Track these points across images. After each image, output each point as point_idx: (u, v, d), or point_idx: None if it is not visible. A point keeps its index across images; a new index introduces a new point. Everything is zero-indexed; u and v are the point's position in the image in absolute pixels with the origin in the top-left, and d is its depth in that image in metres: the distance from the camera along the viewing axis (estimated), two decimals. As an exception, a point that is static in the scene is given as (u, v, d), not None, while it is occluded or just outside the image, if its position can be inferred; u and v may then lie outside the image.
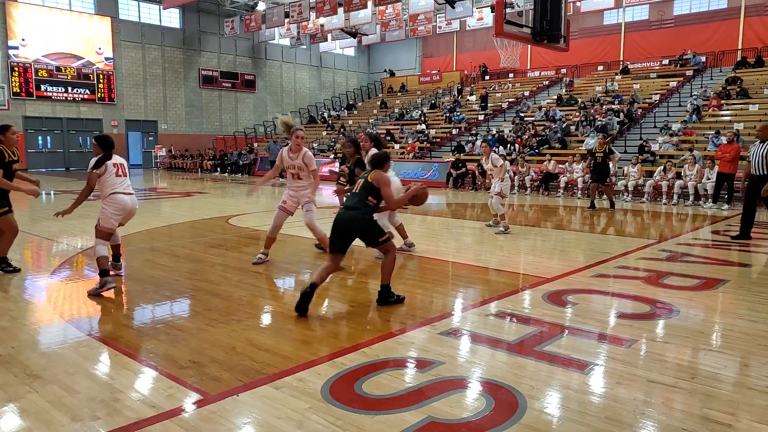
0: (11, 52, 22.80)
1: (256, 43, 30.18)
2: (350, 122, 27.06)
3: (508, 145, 17.21)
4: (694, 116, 16.25)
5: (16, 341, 3.49)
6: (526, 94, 23.83)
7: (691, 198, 11.88)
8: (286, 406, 2.63)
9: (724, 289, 4.86)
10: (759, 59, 19.91)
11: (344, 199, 4.66)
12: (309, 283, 4.08)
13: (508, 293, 4.69)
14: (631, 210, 11.23)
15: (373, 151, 5.92)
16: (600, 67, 24.91)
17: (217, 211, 10.52)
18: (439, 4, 22.08)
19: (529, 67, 27.74)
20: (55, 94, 24.04)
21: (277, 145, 21.07)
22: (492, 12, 18.87)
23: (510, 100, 23.46)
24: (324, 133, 26.41)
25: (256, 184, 6.56)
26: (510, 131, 18.76)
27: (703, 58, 21.43)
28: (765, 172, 6.82)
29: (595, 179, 11.00)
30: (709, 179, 11.68)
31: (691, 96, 17.81)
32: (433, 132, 21.72)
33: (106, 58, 25.32)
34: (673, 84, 19.74)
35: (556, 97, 21.64)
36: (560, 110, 19.63)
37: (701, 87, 18.75)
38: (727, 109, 16.50)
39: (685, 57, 21.66)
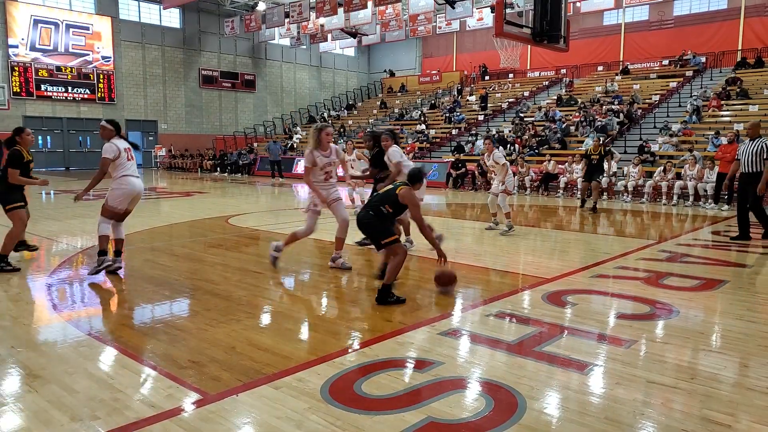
0: (11, 51, 22.80)
1: (256, 43, 30.18)
2: (350, 122, 27.06)
3: (508, 146, 17.21)
4: (693, 117, 16.26)
5: (15, 341, 3.49)
6: (526, 94, 23.83)
7: (691, 198, 11.89)
8: (286, 406, 2.63)
9: (724, 289, 4.86)
10: (759, 60, 19.92)
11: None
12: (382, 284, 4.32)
13: (507, 293, 4.69)
14: (631, 210, 11.23)
15: (394, 148, 6.04)
16: (600, 68, 24.91)
17: (217, 210, 10.52)
18: (439, 5, 22.08)
19: (528, 68, 27.74)
20: (55, 93, 24.04)
21: (277, 144, 21.08)
22: (492, 12, 18.89)
23: (510, 100, 23.47)
24: (324, 133, 26.38)
25: (311, 202, 5.49)
26: (510, 131, 18.77)
27: (703, 59, 21.44)
28: (754, 170, 6.82)
29: (587, 179, 10.98)
30: (708, 180, 11.69)
31: (691, 96, 17.81)
32: (432, 132, 21.72)
33: (106, 58, 25.32)
34: (673, 84, 19.75)
35: (555, 97, 21.64)
36: (560, 110, 19.64)
37: (701, 87, 18.76)
38: (727, 110, 16.50)
39: (685, 57, 21.67)
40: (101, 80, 25.19)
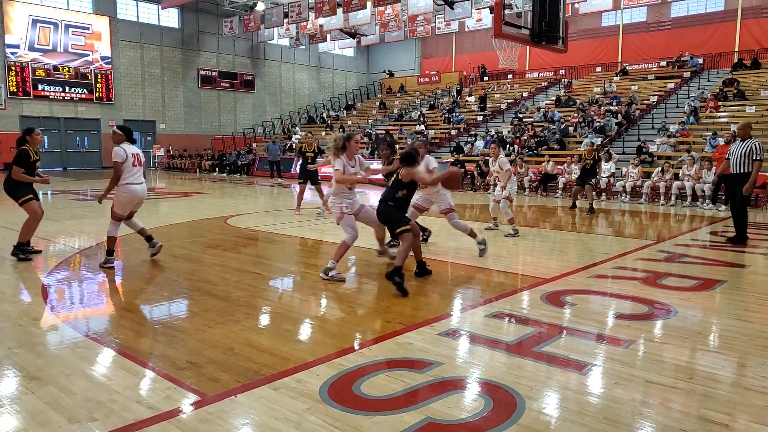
0: (8, 51, 22.76)
1: (255, 43, 30.17)
2: (349, 122, 27.06)
3: (507, 146, 17.23)
4: (691, 117, 16.30)
5: (12, 342, 3.48)
6: (525, 95, 23.86)
7: (689, 199, 11.91)
8: (285, 407, 2.62)
9: (722, 289, 4.87)
10: (755, 61, 20.00)
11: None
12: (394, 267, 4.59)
13: (506, 294, 4.70)
14: (629, 211, 11.25)
15: (429, 158, 6.23)
16: (598, 69, 24.95)
17: (216, 211, 10.50)
18: (438, 5, 22.10)
19: (527, 68, 27.77)
20: (52, 93, 23.99)
21: (276, 145, 21.07)
22: (491, 13, 18.85)
23: (509, 101, 23.50)
24: (323, 133, 26.41)
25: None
26: (509, 132, 18.79)
27: (701, 60, 21.50)
28: (743, 170, 6.80)
29: (580, 183, 11.03)
30: (706, 181, 11.71)
31: (689, 97, 17.86)
32: (432, 133, 21.73)
33: (104, 58, 25.29)
34: (670, 85, 19.81)
35: (554, 98, 21.68)
36: (559, 111, 19.67)
37: (698, 89, 18.82)
38: (724, 111, 16.55)
39: (682, 59, 21.73)
40: (99, 80, 25.15)
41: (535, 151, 16.76)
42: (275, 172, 19.13)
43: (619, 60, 25.20)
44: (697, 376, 3.02)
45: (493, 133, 19.10)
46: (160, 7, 26.07)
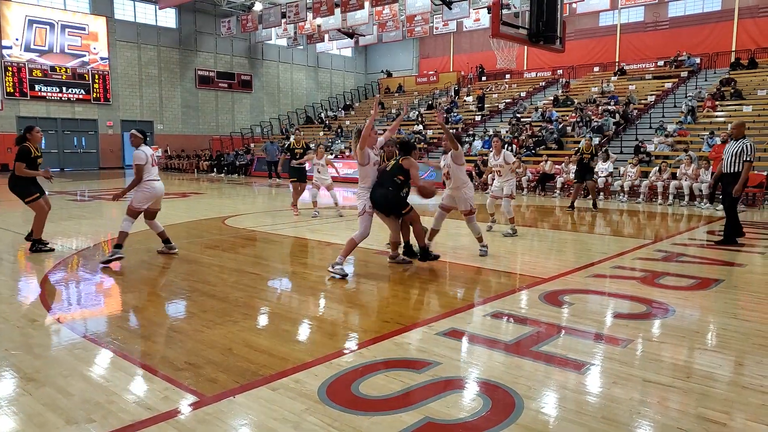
0: (5, 51, 22.68)
1: (253, 43, 30.13)
2: (347, 122, 27.05)
3: (506, 146, 17.25)
4: (688, 117, 16.34)
5: (9, 343, 3.47)
6: (523, 94, 23.89)
7: (686, 198, 11.94)
8: (283, 407, 2.62)
9: (719, 288, 4.88)
10: (752, 61, 20.05)
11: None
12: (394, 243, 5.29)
13: (504, 293, 4.70)
14: (627, 210, 11.27)
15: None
16: (596, 68, 24.99)
17: (214, 211, 10.49)
18: (436, 5, 22.10)
19: (525, 68, 27.80)
20: (49, 94, 23.92)
21: (274, 145, 21.03)
22: (488, 13, 18.87)
23: (507, 100, 23.51)
24: (321, 133, 26.41)
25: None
26: (507, 132, 18.81)
27: (698, 60, 21.54)
28: (734, 170, 6.77)
29: (579, 180, 11.05)
30: (703, 180, 11.74)
31: (686, 97, 17.90)
32: (430, 133, 21.74)
33: (102, 58, 25.22)
34: (668, 85, 19.85)
35: (552, 97, 21.70)
36: (556, 111, 19.69)
37: (696, 88, 18.85)
38: (722, 110, 16.59)
39: (679, 58, 21.78)
40: (96, 80, 25.08)
41: (533, 151, 16.78)
42: (274, 172, 19.11)
43: (617, 60, 25.24)
44: (695, 375, 3.02)
45: (491, 132, 19.11)
46: (157, 7, 26.00)
